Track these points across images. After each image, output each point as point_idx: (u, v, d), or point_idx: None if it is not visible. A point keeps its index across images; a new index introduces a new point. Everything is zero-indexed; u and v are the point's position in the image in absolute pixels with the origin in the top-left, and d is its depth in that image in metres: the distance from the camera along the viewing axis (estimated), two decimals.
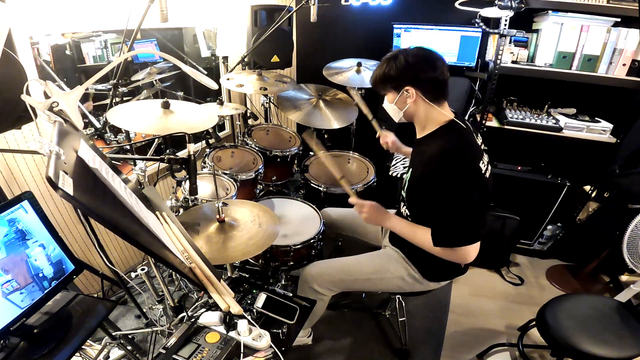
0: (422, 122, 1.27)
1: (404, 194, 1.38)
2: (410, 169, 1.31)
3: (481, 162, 1.18)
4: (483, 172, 1.18)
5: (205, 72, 2.22)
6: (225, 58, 2.38)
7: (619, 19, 1.93)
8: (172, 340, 1.04)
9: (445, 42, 2.39)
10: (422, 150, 1.25)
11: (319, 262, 1.51)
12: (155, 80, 2.15)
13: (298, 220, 1.75)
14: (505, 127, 2.25)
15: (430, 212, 1.22)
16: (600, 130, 2.14)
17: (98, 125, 1.83)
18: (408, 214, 1.37)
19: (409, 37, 2.45)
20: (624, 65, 1.98)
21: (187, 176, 1.17)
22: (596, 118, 2.22)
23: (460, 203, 1.13)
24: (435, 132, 1.23)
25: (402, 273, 1.41)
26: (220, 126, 2.67)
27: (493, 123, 2.32)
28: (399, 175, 2.32)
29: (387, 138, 1.69)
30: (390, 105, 1.26)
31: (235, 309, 0.92)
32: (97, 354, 1.52)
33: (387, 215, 1.36)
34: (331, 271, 1.46)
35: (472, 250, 1.17)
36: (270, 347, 1.03)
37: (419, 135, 1.31)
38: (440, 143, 1.17)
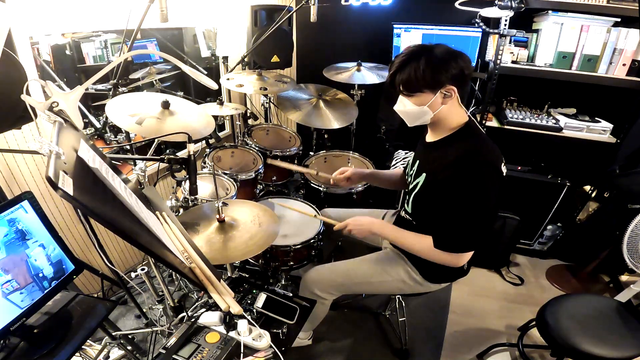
0: (443, 125, 1.18)
1: (408, 198, 1.34)
2: (424, 175, 1.24)
3: (503, 162, 1.14)
4: (504, 173, 1.14)
5: (205, 72, 2.23)
6: (225, 58, 2.38)
7: (619, 19, 1.93)
8: (172, 340, 1.04)
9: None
10: (439, 155, 1.19)
11: (319, 267, 1.50)
12: (155, 80, 2.15)
13: (298, 220, 1.75)
14: (505, 127, 2.25)
15: (439, 216, 1.18)
16: (600, 130, 2.14)
17: (98, 125, 1.83)
18: (411, 218, 1.35)
19: (409, 37, 2.45)
20: (624, 65, 1.98)
21: (187, 176, 1.17)
22: (596, 118, 2.22)
23: (475, 209, 1.10)
24: (452, 136, 1.18)
25: (402, 276, 1.40)
26: (220, 126, 2.67)
27: (493, 123, 2.32)
28: None
29: (345, 174, 1.58)
30: (418, 108, 1.13)
31: (235, 309, 0.92)
32: (97, 354, 1.52)
33: (379, 226, 1.35)
34: (332, 275, 1.45)
35: (468, 256, 1.17)
36: (270, 347, 1.03)
37: (431, 139, 1.25)
38: (463, 146, 1.12)
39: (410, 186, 1.33)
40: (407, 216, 1.38)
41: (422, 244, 1.22)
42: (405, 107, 1.16)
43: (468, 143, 1.14)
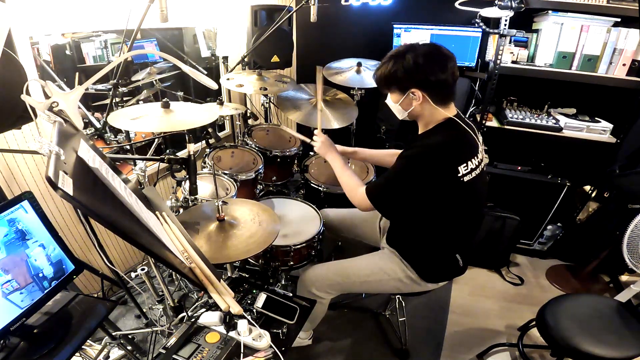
0: (425, 121, 1.25)
1: None
2: None
3: (464, 164, 1.14)
4: (461, 174, 1.13)
5: (205, 72, 2.22)
6: (225, 58, 2.38)
7: (619, 19, 1.93)
8: (172, 340, 1.04)
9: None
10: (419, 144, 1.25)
11: (316, 266, 1.51)
12: (155, 80, 2.15)
13: (298, 220, 1.76)
14: (505, 127, 2.25)
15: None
16: (600, 130, 2.14)
17: (98, 125, 1.83)
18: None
19: (409, 37, 2.45)
20: (624, 65, 1.98)
21: (187, 176, 1.17)
22: (596, 118, 2.22)
23: (399, 176, 1.18)
24: (433, 130, 1.23)
25: (399, 275, 1.40)
26: (220, 126, 2.67)
27: (493, 123, 2.32)
28: None
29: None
30: (395, 104, 1.24)
31: (235, 309, 0.92)
32: (97, 354, 1.52)
33: (333, 153, 1.50)
34: (329, 274, 1.46)
35: (368, 205, 1.25)
36: (270, 347, 1.03)
37: (420, 132, 1.30)
38: (439, 137, 1.18)
39: None
40: None
41: (354, 182, 1.36)
42: (388, 101, 1.28)
43: (437, 136, 1.20)
